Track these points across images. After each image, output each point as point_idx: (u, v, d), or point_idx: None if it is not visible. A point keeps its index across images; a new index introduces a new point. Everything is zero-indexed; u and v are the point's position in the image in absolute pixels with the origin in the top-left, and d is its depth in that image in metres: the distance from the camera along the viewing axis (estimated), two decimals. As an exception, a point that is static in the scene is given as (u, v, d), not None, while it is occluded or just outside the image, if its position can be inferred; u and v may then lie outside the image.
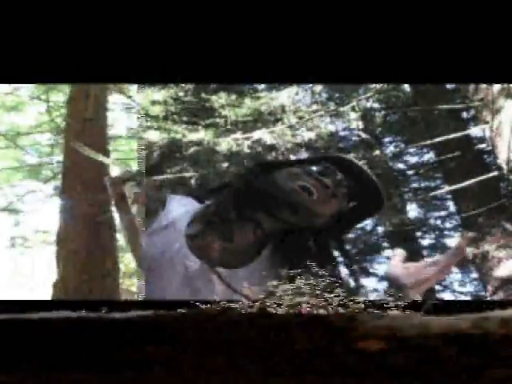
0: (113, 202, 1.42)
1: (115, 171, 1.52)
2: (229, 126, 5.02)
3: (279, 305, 1.24)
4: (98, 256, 3.78)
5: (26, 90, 6.39)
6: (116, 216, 4.22)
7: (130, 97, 5.96)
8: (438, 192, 5.29)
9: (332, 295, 1.30)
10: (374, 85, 4.75)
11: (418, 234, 5.69)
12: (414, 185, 5.77)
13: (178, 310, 1.19)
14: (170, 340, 0.92)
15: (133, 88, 6.63)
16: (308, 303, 1.27)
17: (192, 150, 5.09)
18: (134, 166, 6.86)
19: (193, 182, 5.18)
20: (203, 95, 5.34)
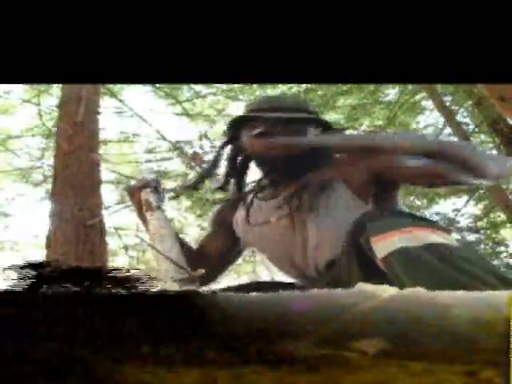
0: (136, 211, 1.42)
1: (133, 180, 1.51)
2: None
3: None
4: (87, 260, 3.76)
5: (17, 93, 6.38)
6: (105, 220, 4.21)
7: (121, 100, 5.96)
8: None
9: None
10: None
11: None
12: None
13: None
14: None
15: (124, 92, 6.64)
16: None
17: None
18: (126, 169, 6.86)
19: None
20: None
